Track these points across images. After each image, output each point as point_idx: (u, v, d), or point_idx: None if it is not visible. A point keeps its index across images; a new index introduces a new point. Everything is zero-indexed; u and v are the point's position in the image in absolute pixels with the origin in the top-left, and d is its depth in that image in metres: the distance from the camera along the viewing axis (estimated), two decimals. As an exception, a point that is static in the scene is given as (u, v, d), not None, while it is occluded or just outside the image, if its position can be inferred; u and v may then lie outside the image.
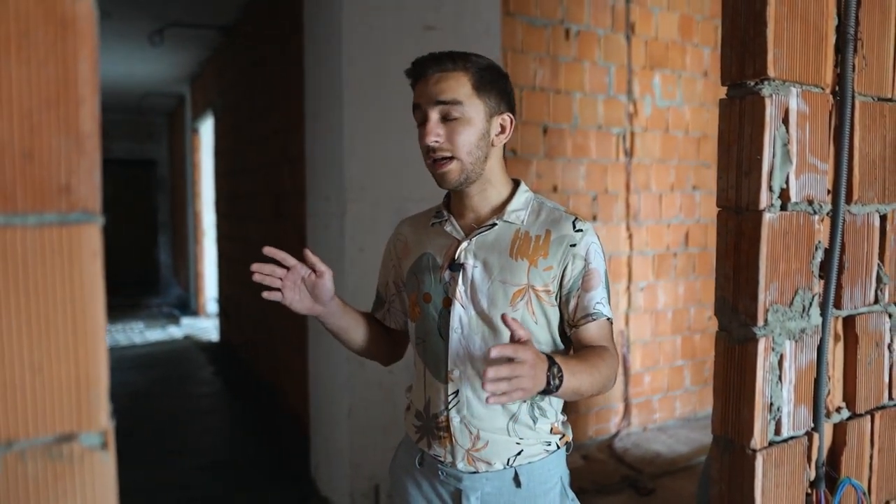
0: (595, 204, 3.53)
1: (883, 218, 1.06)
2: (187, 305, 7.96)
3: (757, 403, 0.93)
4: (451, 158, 1.14)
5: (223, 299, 6.07)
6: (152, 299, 8.95)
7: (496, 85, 1.18)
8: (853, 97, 0.99)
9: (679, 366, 3.91)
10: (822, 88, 0.97)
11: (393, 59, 2.42)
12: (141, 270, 10.15)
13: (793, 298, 0.96)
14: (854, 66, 0.99)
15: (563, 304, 1.18)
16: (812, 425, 1.01)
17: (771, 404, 0.95)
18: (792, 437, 0.98)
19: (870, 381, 1.06)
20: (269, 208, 4.13)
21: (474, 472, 1.18)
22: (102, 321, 0.53)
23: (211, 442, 3.73)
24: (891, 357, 1.10)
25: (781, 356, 0.95)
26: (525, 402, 1.17)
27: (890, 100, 1.05)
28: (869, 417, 1.07)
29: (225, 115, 5.55)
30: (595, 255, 1.17)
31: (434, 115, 1.14)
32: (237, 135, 5.06)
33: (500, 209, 1.21)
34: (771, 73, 0.89)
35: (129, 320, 7.44)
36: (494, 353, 0.93)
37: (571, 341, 1.20)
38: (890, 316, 1.09)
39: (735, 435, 0.96)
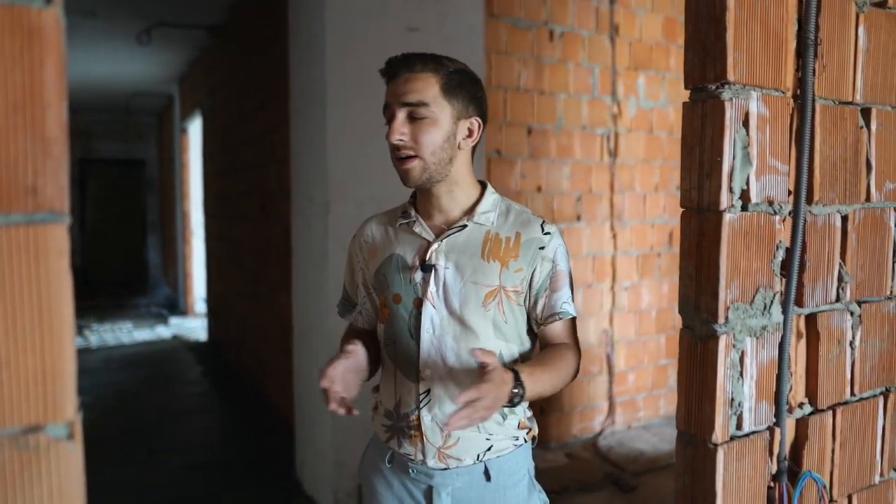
0: (579, 204, 3.57)
1: (844, 218, 1.09)
2: (176, 305, 7.94)
3: (718, 399, 0.96)
4: (415, 157, 1.17)
5: (211, 299, 6.06)
6: (141, 299, 8.91)
7: (465, 89, 1.20)
8: (813, 100, 1.02)
9: (663, 365, 3.95)
10: (783, 92, 1.00)
11: (376, 60, 2.42)
12: (130, 270, 10.10)
13: (753, 297, 0.99)
14: (814, 70, 1.02)
15: (531, 304, 1.23)
16: (774, 420, 1.04)
17: (732, 400, 0.97)
18: (753, 432, 1.01)
19: (832, 378, 1.10)
20: (256, 208, 4.13)
21: (445, 469, 1.20)
22: (69, 317, 0.55)
23: (198, 441, 3.74)
24: (853, 354, 1.13)
25: (742, 353, 0.98)
26: None
27: (851, 103, 1.08)
28: (831, 413, 1.10)
29: (213, 115, 5.55)
30: (561, 257, 1.23)
31: (401, 114, 1.17)
32: (225, 135, 5.06)
33: (469, 211, 1.23)
34: (731, 76, 0.92)
35: (117, 320, 7.41)
36: (462, 398, 0.99)
37: (538, 337, 1.25)
38: (851, 314, 1.12)
39: (697, 430, 0.98)
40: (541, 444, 3.54)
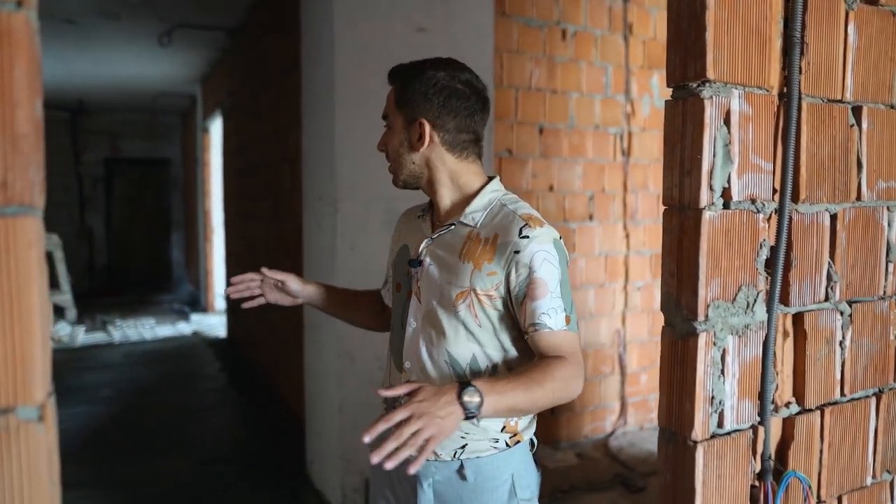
0: (591, 203, 3.55)
1: (833, 217, 1.08)
2: (197, 302, 8.07)
3: (698, 396, 0.96)
4: (392, 163, 1.29)
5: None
6: (164, 296, 9.08)
7: (412, 89, 1.22)
8: (800, 98, 1.02)
9: (677, 366, 3.91)
10: (767, 90, 0.99)
11: (384, 61, 2.45)
12: (154, 267, 10.29)
13: (736, 295, 0.98)
14: (800, 68, 1.01)
15: (515, 311, 1.17)
16: (758, 419, 1.03)
17: (713, 398, 0.97)
18: (735, 430, 1.00)
19: (819, 377, 1.09)
20: (271, 207, 4.19)
21: (425, 460, 1.21)
22: (39, 306, 0.57)
23: (213, 436, 3.80)
24: (843, 354, 1.12)
25: (724, 351, 0.98)
26: None
27: (840, 101, 1.07)
28: (819, 413, 1.09)
29: (232, 115, 5.64)
30: (542, 263, 1.13)
31: (384, 125, 1.30)
32: (243, 134, 5.13)
33: (461, 212, 1.23)
34: (710, 75, 0.92)
35: (140, 316, 7.55)
36: (377, 428, 0.98)
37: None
38: (841, 314, 1.11)
39: (678, 427, 0.99)
40: (551, 444, 3.53)
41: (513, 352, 1.21)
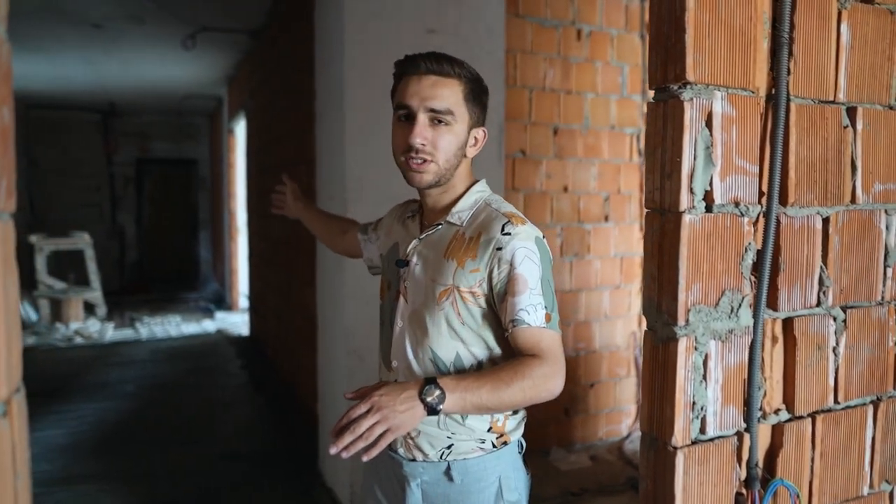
0: (607, 204, 3.52)
1: (826, 220, 1.06)
2: (222, 300, 8.21)
3: (678, 402, 0.95)
4: (430, 161, 1.18)
5: (252, 295, 6.25)
6: (191, 294, 9.25)
7: (480, 99, 1.23)
8: (788, 100, 1.00)
9: (695, 369, 3.86)
10: (752, 92, 0.98)
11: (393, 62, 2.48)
12: (182, 265, 10.49)
13: (719, 299, 0.97)
14: (789, 69, 0.99)
15: (497, 308, 1.17)
16: (745, 425, 1.02)
17: (694, 403, 0.96)
18: (719, 437, 0.99)
19: (810, 384, 1.07)
20: (289, 207, 4.24)
21: (413, 460, 1.22)
22: (3, 305, 0.59)
23: (231, 432, 3.86)
24: (836, 360, 1.09)
25: (706, 356, 0.97)
26: None
27: (833, 102, 1.05)
28: (810, 420, 1.07)
29: (255, 116, 5.72)
30: (523, 260, 1.13)
31: (424, 117, 1.17)
32: (264, 135, 5.21)
33: (449, 210, 1.24)
34: (690, 77, 0.91)
35: (167, 313, 7.70)
36: (339, 424, 1.02)
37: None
38: (834, 319, 1.08)
39: (659, 432, 0.98)
40: (565, 446, 3.51)
41: (497, 350, 1.20)
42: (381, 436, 1.01)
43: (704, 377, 0.97)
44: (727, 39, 0.94)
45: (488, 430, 1.21)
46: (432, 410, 1.04)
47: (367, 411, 1.01)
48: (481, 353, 1.20)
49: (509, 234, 1.15)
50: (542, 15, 3.24)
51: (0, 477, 0.59)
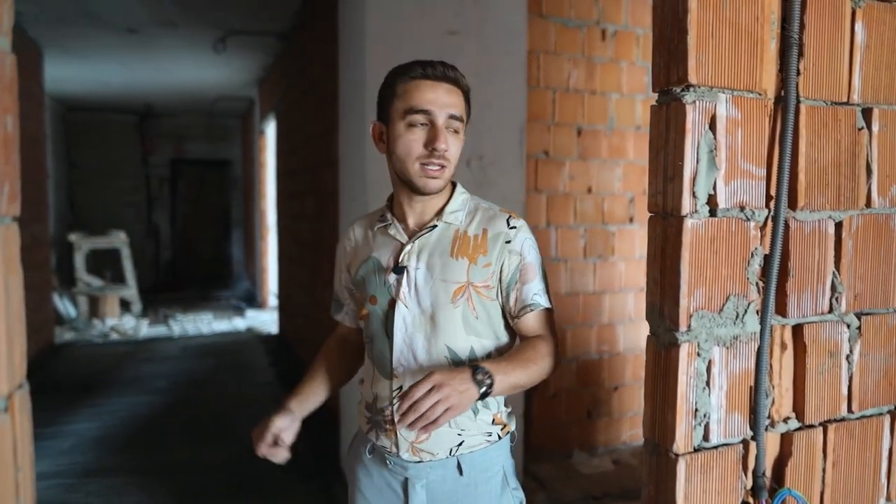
0: (632, 206, 3.48)
1: (839, 225, 1.03)
2: (253, 299, 8.35)
3: (679, 408, 0.94)
4: (446, 167, 1.21)
5: (281, 294, 6.34)
6: (223, 292, 9.43)
7: (470, 106, 1.28)
8: (798, 101, 0.98)
9: (722, 374, 3.78)
10: (760, 94, 0.96)
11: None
12: (215, 264, 10.70)
13: (723, 305, 0.95)
14: (799, 70, 0.97)
15: (503, 298, 1.24)
16: (751, 433, 1.00)
17: (696, 410, 0.95)
18: (723, 445, 0.97)
19: (821, 392, 1.04)
20: (314, 208, 4.30)
21: (419, 462, 1.23)
22: (5, 305, 0.62)
23: (248, 428, 3.93)
24: (850, 368, 1.07)
25: (710, 362, 0.95)
26: None
27: (846, 103, 1.02)
28: (821, 429, 1.05)
29: (283, 118, 5.81)
30: (529, 249, 1.24)
31: (443, 123, 1.19)
32: (292, 137, 5.28)
33: (439, 212, 1.26)
34: (693, 79, 0.90)
35: (200, 311, 7.87)
36: (404, 404, 1.06)
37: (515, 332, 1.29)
38: (848, 326, 1.06)
39: (661, 439, 0.97)
40: (587, 449, 3.49)
41: (504, 338, 1.28)
42: (442, 414, 1.05)
43: (708, 384, 0.95)
44: (732, 41, 0.92)
45: (492, 422, 1.26)
46: (484, 393, 1.10)
47: (430, 391, 1.05)
48: (491, 344, 1.25)
49: (515, 227, 1.24)
50: (566, 15, 3.22)
51: (1, 470, 0.62)
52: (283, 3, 4.44)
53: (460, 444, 1.23)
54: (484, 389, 1.10)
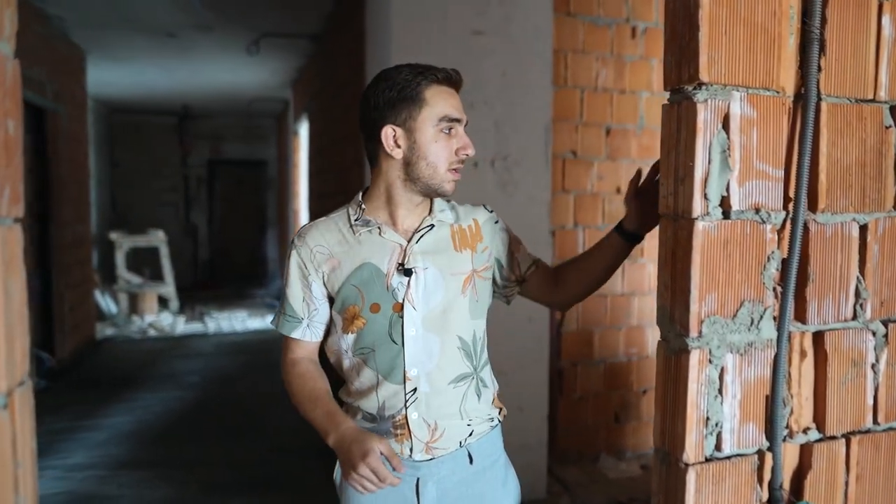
0: (662, 207, 3.41)
1: (863, 228, 0.99)
2: (286, 297, 8.45)
3: (689, 416, 0.91)
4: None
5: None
6: (258, 290, 9.59)
7: None
8: (819, 99, 0.94)
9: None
10: (777, 92, 0.92)
11: (440, 64, 2.49)
12: (251, 263, 10.89)
13: (737, 311, 0.92)
14: (819, 66, 0.93)
15: (506, 269, 1.35)
16: (767, 444, 0.96)
17: (708, 419, 0.92)
18: (737, 455, 0.94)
19: (844, 403, 1.00)
20: (344, 207, 4.33)
21: (431, 459, 1.24)
22: (4, 304, 0.63)
23: (284, 425, 3.98)
24: (876, 378, 1.02)
25: (723, 370, 0.92)
26: (473, 379, 1.28)
27: (872, 101, 0.98)
28: (844, 441, 1.00)
29: (316, 119, 5.87)
30: (507, 226, 1.38)
31: (464, 130, 1.26)
32: (322, 137, 5.34)
33: (429, 213, 1.29)
34: (704, 77, 0.87)
35: (235, 309, 8.02)
36: None
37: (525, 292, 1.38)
38: (874, 334, 1.01)
39: (671, 447, 0.94)
40: (615, 454, 3.43)
41: (485, 317, 1.34)
42: None
43: (720, 392, 0.92)
44: (747, 37, 0.89)
45: (492, 404, 1.32)
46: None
47: None
48: (484, 321, 1.33)
49: (492, 211, 1.37)
50: (595, 13, 3.17)
51: (0, 465, 0.63)
52: (314, 6, 4.49)
53: (470, 435, 1.27)
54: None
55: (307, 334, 1.30)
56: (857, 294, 0.99)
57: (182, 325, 7.18)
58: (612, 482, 3.17)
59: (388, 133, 1.22)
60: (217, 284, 10.00)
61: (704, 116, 0.88)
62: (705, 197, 0.89)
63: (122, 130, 9.75)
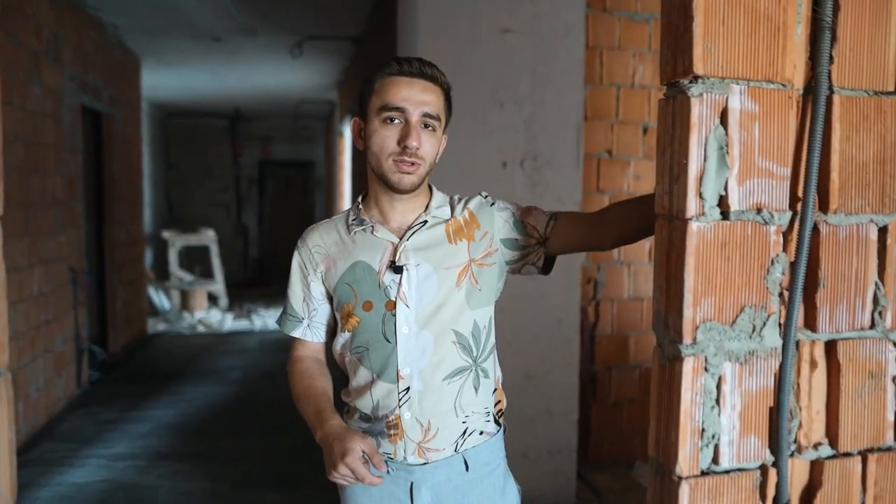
0: (703, 208, 3.30)
1: (883, 230, 0.92)
2: (331, 296, 8.59)
3: (683, 427, 0.86)
4: (419, 165, 1.20)
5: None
6: (304, 289, 9.76)
7: (451, 107, 1.28)
8: (831, 91, 0.88)
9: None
10: (783, 84, 0.87)
11: (469, 64, 2.48)
12: (299, 262, 11.10)
13: (736, 317, 0.87)
14: (831, 56, 0.87)
15: (522, 240, 1.27)
16: (772, 459, 0.91)
17: (703, 430, 0.87)
18: (737, 470, 0.89)
19: (860, 417, 0.93)
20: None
21: (424, 464, 1.22)
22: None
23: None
24: (896, 391, 0.95)
25: (720, 379, 0.87)
26: (471, 371, 1.25)
27: (892, 93, 0.91)
28: (860, 459, 0.94)
29: (358, 120, 5.94)
30: (510, 202, 1.33)
31: (417, 120, 1.20)
32: (364, 138, 5.39)
33: (425, 210, 1.28)
34: (699, 70, 0.82)
35: (280, 307, 8.18)
36: None
37: (552, 255, 1.29)
38: (895, 344, 0.94)
39: (665, 459, 0.89)
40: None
41: (497, 296, 1.31)
42: None
43: (718, 402, 0.87)
44: (748, 26, 0.84)
45: (492, 393, 1.28)
46: None
47: None
48: (489, 308, 1.28)
49: (488, 195, 1.33)
50: (632, 9, 3.09)
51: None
52: (355, 8, 4.54)
53: (464, 433, 1.23)
54: None
55: (308, 334, 1.33)
56: (876, 301, 0.93)
57: (230, 322, 7.38)
58: (646, 491, 3.08)
59: (354, 126, 1.28)
60: (265, 283, 10.24)
61: (699, 111, 0.83)
62: (700, 196, 0.84)
63: (177, 133, 10.10)
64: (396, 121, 1.19)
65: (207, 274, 8.35)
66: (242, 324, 7.30)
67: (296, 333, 1.32)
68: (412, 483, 1.23)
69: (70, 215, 4.43)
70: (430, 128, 1.21)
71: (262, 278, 10.55)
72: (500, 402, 1.31)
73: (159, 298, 7.73)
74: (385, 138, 1.19)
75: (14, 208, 3.56)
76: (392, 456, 1.24)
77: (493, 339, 1.30)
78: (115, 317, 5.44)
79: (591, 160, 3.10)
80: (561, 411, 2.79)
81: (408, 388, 1.22)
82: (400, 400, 1.22)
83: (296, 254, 1.31)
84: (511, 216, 1.29)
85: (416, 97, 1.19)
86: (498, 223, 1.28)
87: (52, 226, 4.11)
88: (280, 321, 1.35)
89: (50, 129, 4.10)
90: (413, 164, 1.19)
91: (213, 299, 8.24)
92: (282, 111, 9.38)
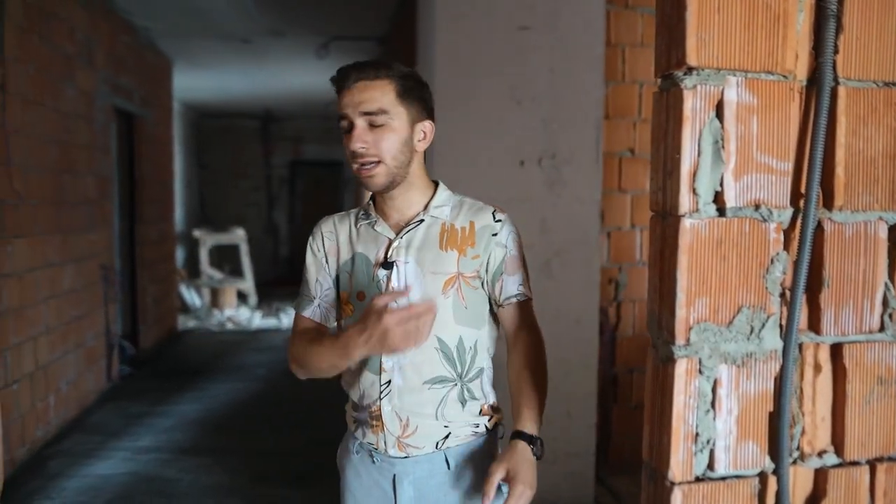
0: (729, 208, 3.22)
1: (893, 228, 0.88)
2: (358, 295, 8.65)
3: (675, 431, 0.83)
4: (378, 163, 1.20)
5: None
6: (332, 288, 9.85)
7: (417, 93, 1.24)
8: (836, 83, 0.84)
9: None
10: (784, 76, 0.83)
11: (486, 62, 2.47)
12: (327, 261, 11.21)
13: (733, 318, 0.84)
14: (836, 46, 0.83)
15: (489, 287, 1.28)
16: (772, 466, 0.87)
17: (697, 435, 0.84)
18: (733, 476, 0.86)
19: (868, 425, 0.89)
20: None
21: (406, 458, 1.24)
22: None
23: (336, 419, 4.06)
24: (909, 398, 0.90)
25: (716, 382, 0.84)
26: (455, 385, 1.24)
27: (904, 85, 0.86)
28: (868, 468, 0.89)
29: (383, 120, 5.97)
30: (512, 242, 1.27)
31: (361, 122, 1.19)
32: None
33: (424, 208, 1.27)
34: (692, 61, 0.79)
35: (308, 305, 8.26)
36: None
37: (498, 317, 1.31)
38: (906, 348, 0.89)
39: (657, 463, 0.87)
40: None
41: (488, 325, 1.29)
42: None
43: (713, 406, 0.84)
44: (746, 15, 0.81)
45: (479, 413, 1.27)
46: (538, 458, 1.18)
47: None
48: (477, 332, 1.27)
49: (500, 220, 1.27)
50: (655, 5, 3.03)
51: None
52: (379, 9, 4.55)
53: (447, 437, 1.24)
54: (537, 452, 1.18)
55: (316, 314, 1.34)
56: (886, 303, 0.88)
57: (258, 320, 7.48)
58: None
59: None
60: (295, 281, 10.35)
61: (693, 104, 0.80)
62: (694, 192, 0.81)
63: (210, 133, 10.29)
64: (348, 129, 1.21)
65: (237, 272, 8.48)
66: (270, 321, 7.39)
67: (305, 313, 1.33)
68: (395, 475, 1.25)
69: (102, 214, 4.54)
70: (378, 124, 1.19)
71: (291, 277, 10.68)
72: (492, 417, 1.30)
73: (190, 296, 7.88)
74: (346, 147, 1.21)
75: (47, 207, 3.67)
76: (375, 446, 1.27)
77: (483, 364, 1.28)
78: (145, 313, 5.56)
79: (612, 159, 3.05)
80: (580, 414, 2.75)
81: (389, 382, 1.24)
82: (381, 392, 1.24)
83: (310, 239, 1.37)
84: (501, 260, 1.26)
85: (354, 99, 1.20)
86: (491, 259, 1.25)
87: (84, 224, 4.22)
88: (297, 304, 1.38)
89: (83, 130, 4.21)
90: (371, 165, 1.19)
91: (242, 297, 8.36)
92: (311, 112, 9.47)
